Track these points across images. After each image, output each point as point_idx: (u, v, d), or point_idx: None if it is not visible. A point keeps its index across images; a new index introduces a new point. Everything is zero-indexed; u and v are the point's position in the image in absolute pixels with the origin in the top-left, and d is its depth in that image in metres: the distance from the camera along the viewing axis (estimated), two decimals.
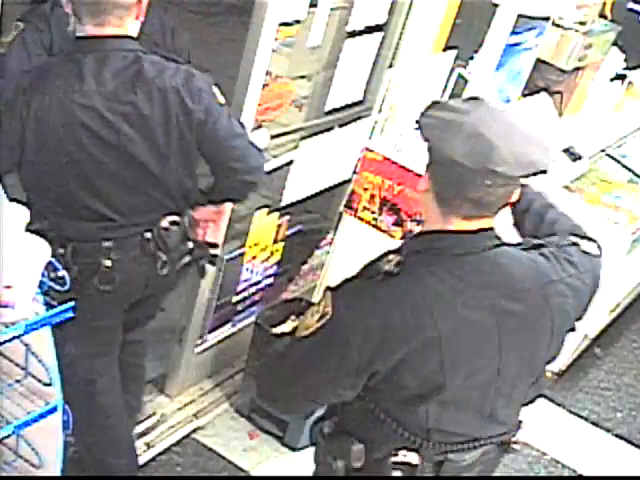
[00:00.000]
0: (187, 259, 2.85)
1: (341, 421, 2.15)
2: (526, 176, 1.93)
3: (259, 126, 3.35)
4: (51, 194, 2.58)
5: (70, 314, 2.12)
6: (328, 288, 2.00)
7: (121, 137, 2.53)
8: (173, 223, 2.73)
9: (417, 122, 1.99)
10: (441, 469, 2.15)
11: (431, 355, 1.95)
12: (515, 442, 2.27)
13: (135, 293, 2.80)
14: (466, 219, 1.99)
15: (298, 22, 3.27)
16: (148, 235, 2.68)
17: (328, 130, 3.79)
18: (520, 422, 2.29)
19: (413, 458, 2.12)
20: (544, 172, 1.94)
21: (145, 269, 2.73)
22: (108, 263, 2.63)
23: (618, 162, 4.94)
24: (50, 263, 2.07)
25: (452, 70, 3.78)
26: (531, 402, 2.28)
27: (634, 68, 5.28)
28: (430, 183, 2.00)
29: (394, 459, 2.12)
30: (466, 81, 3.83)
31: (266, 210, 3.66)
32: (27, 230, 2.10)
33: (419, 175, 3.40)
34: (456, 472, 2.19)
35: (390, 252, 2.03)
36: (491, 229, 2.07)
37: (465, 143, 1.89)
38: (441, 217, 2.01)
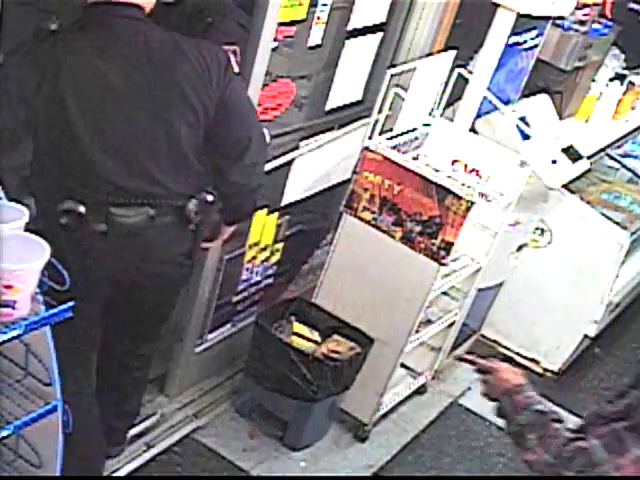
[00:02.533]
0: None
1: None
2: None
3: None
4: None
5: (70, 314, 2.12)
6: None
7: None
8: None
9: None
10: (109, 224, 2.58)
11: (64, 101, 2.48)
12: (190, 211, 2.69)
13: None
14: None
15: (298, 22, 3.27)
16: None
17: (328, 130, 3.80)
18: (194, 196, 2.70)
19: (80, 208, 2.56)
20: None
21: None
22: None
23: (618, 162, 4.94)
24: (50, 263, 2.07)
25: (452, 70, 3.78)
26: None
27: (634, 68, 5.28)
28: None
29: (61, 207, 2.55)
30: (466, 81, 3.83)
31: (266, 210, 3.66)
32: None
33: (419, 175, 3.42)
34: (125, 230, 2.61)
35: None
36: (138, 7, 2.58)
37: None
38: None
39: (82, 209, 2.56)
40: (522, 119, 4.23)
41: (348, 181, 3.77)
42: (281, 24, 3.14)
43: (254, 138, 2.77)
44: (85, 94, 2.52)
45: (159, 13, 3.56)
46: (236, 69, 2.78)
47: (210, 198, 2.79)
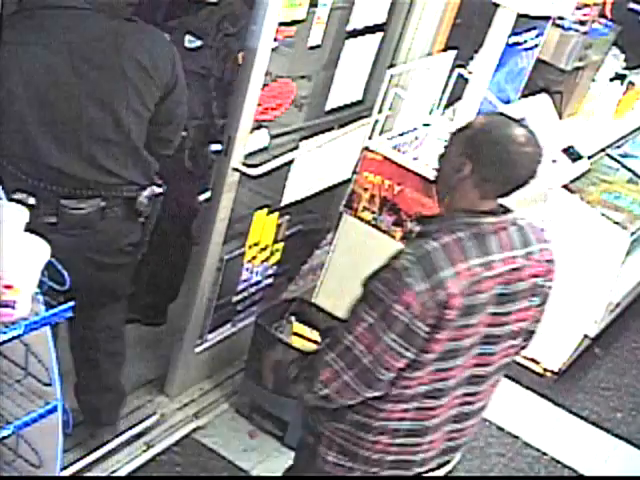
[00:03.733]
0: None
1: None
2: None
3: (259, 126, 3.35)
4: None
5: (70, 314, 2.12)
6: None
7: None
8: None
9: None
10: (59, 216, 2.66)
11: (11, 92, 2.54)
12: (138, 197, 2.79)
13: None
14: None
15: (298, 22, 3.27)
16: None
17: (328, 130, 3.79)
18: (146, 186, 2.80)
19: (30, 200, 2.61)
20: None
21: None
22: None
23: (618, 162, 4.94)
24: (50, 263, 2.07)
25: (452, 70, 3.78)
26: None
27: (634, 68, 5.29)
28: None
29: (11, 197, 2.49)
30: (466, 81, 3.83)
31: (266, 210, 3.66)
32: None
33: (419, 175, 3.42)
34: (75, 220, 2.69)
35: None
36: None
37: None
38: None
39: (32, 200, 2.62)
40: (522, 119, 4.23)
41: (348, 181, 3.77)
42: (281, 24, 3.14)
43: (185, 110, 2.92)
44: (32, 84, 2.57)
45: (188, 12, 3.54)
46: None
47: (158, 190, 2.86)
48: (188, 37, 3.47)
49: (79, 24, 2.59)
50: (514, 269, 2.21)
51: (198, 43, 3.49)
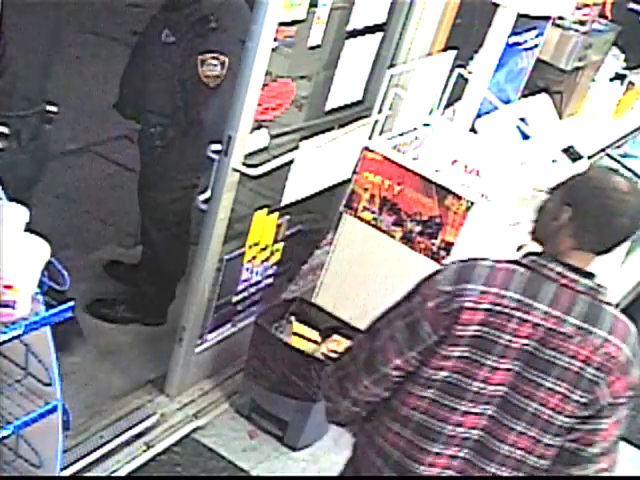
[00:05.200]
0: None
1: None
2: None
3: (259, 126, 3.35)
4: None
5: (70, 314, 2.12)
6: None
7: None
8: None
9: None
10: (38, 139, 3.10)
11: None
12: None
13: None
14: None
15: (298, 22, 3.27)
16: None
17: (328, 130, 3.79)
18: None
19: (4, 129, 2.97)
20: None
21: None
22: None
23: (618, 162, 4.94)
24: (50, 263, 2.07)
25: (452, 70, 3.78)
26: None
27: (634, 68, 5.29)
28: None
29: None
30: (466, 81, 3.83)
31: (266, 210, 3.66)
32: None
33: (419, 175, 3.42)
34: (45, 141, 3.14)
35: None
36: None
37: None
38: None
39: (6, 130, 3.01)
40: (522, 119, 4.23)
41: (348, 181, 3.77)
42: (281, 24, 3.14)
43: None
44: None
45: (169, 15, 3.57)
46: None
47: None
48: (166, 31, 3.48)
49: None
50: (554, 331, 2.01)
51: (172, 39, 3.50)
